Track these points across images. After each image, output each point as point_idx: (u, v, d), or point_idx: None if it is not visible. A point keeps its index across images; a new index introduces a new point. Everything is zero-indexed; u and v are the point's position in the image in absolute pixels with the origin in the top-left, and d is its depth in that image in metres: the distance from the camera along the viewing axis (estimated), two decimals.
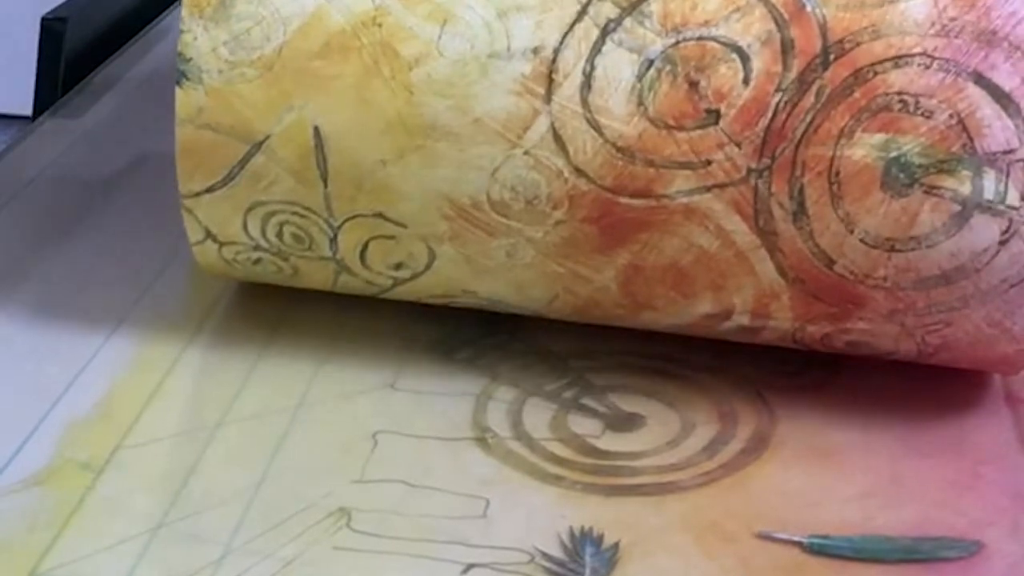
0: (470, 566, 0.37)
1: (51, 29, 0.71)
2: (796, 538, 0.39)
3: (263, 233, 0.44)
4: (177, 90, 0.42)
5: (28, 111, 0.71)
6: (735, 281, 0.42)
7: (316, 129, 0.41)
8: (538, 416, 0.44)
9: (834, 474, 0.41)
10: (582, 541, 0.38)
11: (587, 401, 0.44)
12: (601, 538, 0.38)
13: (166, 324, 0.47)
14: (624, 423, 0.44)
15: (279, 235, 0.43)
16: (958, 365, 0.44)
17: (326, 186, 0.42)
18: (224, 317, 0.48)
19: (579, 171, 0.41)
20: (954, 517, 0.40)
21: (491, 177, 0.41)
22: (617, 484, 0.41)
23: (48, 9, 0.72)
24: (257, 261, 0.45)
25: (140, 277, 0.50)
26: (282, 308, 0.49)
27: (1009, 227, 0.40)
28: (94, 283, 0.50)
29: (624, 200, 0.41)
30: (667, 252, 0.42)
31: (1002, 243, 0.40)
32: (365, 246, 0.43)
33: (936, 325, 0.42)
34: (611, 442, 0.43)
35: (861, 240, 0.40)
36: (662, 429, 0.43)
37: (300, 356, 0.46)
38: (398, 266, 0.44)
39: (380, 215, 0.42)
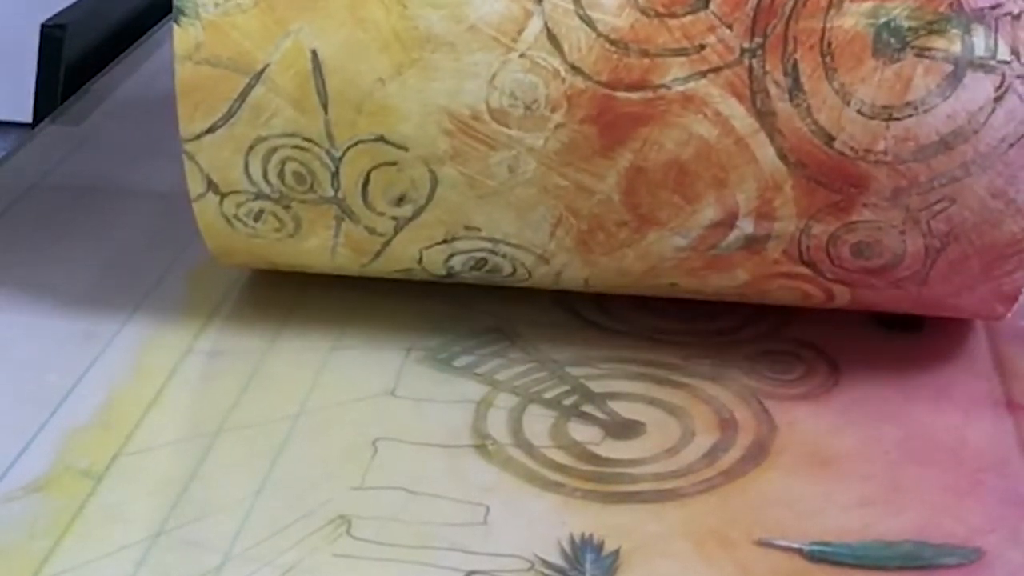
0: (470, 573, 0.37)
1: (51, 36, 0.71)
2: (796, 545, 0.39)
3: (264, 175, 0.44)
4: (175, 28, 0.42)
5: (28, 118, 0.71)
6: (737, 173, 0.42)
7: (314, 52, 0.42)
8: (538, 423, 0.44)
9: (834, 481, 0.41)
10: (582, 548, 0.38)
11: (587, 408, 0.44)
12: (601, 545, 0.38)
13: (166, 331, 0.47)
14: (624, 430, 0.44)
15: (280, 175, 0.44)
16: (969, 268, 0.43)
17: (326, 112, 0.42)
18: (224, 324, 0.48)
19: (575, 68, 0.41)
20: (954, 524, 0.40)
21: (489, 84, 0.41)
22: (617, 491, 0.41)
23: (48, 16, 0.72)
24: (259, 215, 0.45)
25: (139, 284, 0.50)
26: (282, 314, 0.49)
27: (1002, 83, 0.40)
28: (93, 290, 0.50)
29: (621, 94, 0.41)
30: (667, 147, 0.42)
31: (997, 100, 0.40)
32: (367, 178, 0.43)
33: (940, 203, 0.42)
34: (611, 449, 0.43)
35: (858, 111, 0.41)
36: (662, 436, 0.43)
37: (300, 362, 0.46)
38: (400, 200, 0.44)
39: (381, 139, 0.43)
